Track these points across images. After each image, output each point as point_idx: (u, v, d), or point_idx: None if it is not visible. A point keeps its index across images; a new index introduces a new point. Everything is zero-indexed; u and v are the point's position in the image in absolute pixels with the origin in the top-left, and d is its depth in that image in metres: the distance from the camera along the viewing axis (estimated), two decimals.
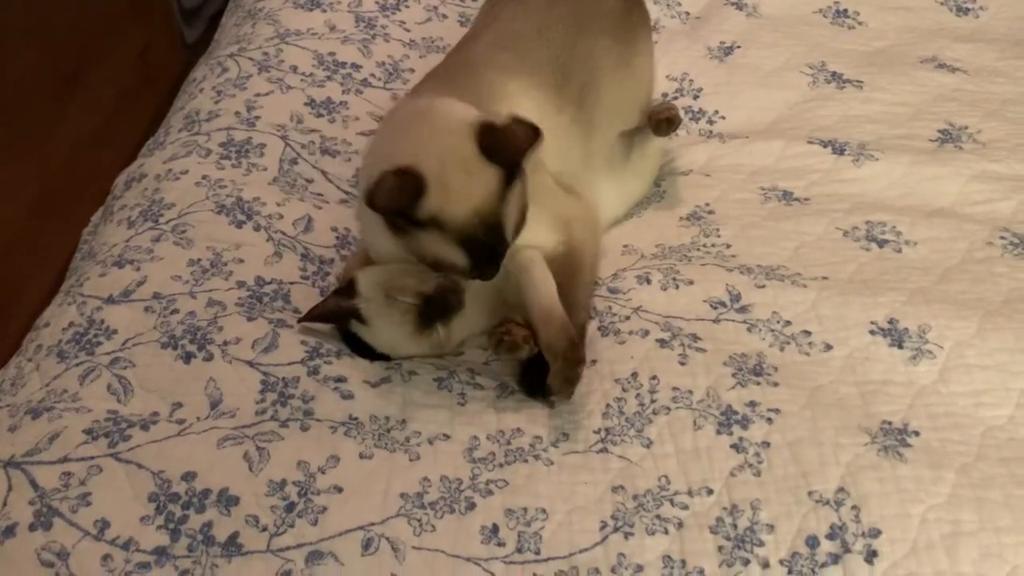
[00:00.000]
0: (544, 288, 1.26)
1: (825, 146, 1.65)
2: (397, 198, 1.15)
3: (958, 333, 1.26)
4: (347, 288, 1.28)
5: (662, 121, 1.50)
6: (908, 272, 1.39)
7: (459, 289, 1.25)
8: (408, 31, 2.00)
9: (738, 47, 1.93)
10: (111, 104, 2.74)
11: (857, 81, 1.82)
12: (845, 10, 2.01)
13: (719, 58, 1.92)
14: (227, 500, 1.08)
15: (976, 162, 1.59)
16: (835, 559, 1.04)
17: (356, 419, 1.19)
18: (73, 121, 2.67)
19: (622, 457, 1.16)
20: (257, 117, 1.71)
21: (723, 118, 1.80)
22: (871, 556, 1.04)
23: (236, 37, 2.00)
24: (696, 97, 1.85)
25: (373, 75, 1.88)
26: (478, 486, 1.12)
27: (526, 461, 1.16)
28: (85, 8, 3.05)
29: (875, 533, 1.05)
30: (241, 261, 1.42)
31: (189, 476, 1.10)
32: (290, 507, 1.08)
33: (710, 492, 1.11)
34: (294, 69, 1.84)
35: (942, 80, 1.81)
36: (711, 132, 1.78)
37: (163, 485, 1.10)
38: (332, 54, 1.89)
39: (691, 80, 1.88)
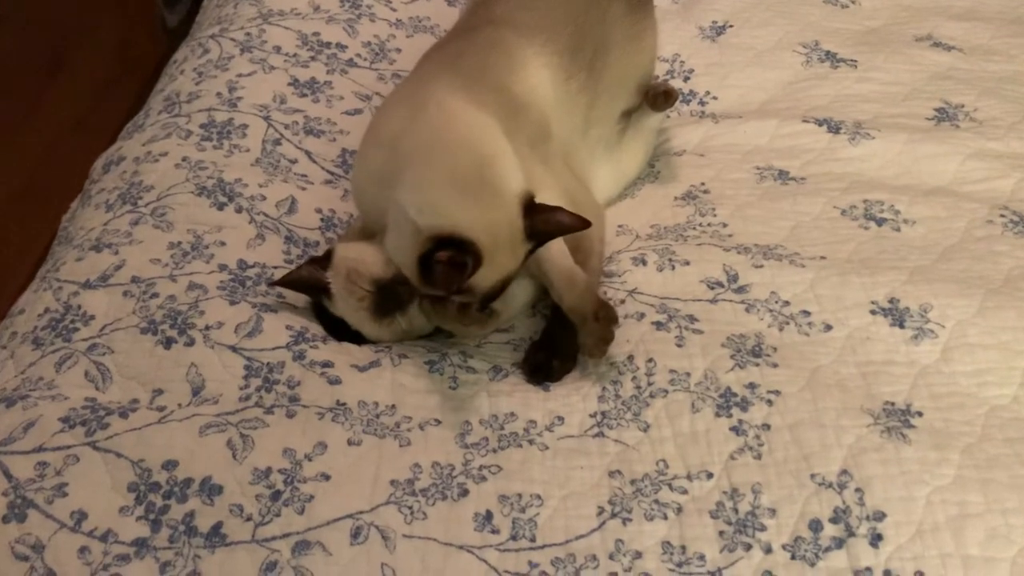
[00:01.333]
0: (560, 252, 1.23)
1: (820, 125, 1.62)
2: (457, 280, 1.10)
3: (960, 312, 1.24)
4: (323, 258, 1.24)
5: (659, 94, 1.46)
6: (907, 251, 1.36)
7: (409, 283, 1.20)
8: (395, 11, 1.96)
9: (730, 26, 1.89)
10: (92, 92, 2.69)
11: (851, 60, 1.79)
12: None
13: (711, 38, 1.88)
14: (210, 489, 1.04)
15: (974, 140, 1.56)
16: (839, 543, 1.01)
17: (344, 405, 1.15)
18: (53, 109, 2.62)
19: (619, 441, 1.13)
20: (239, 98, 1.66)
21: (715, 99, 1.77)
22: (876, 539, 1.01)
23: (218, 18, 1.95)
24: (687, 79, 1.82)
25: (359, 55, 1.83)
26: (471, 472, 1.09)
27: (520, 446, 1.12)
28: None
29: (880, 516, 1.03)
30: (223, 244, 1.37)
31: (170, 465, 1.06)
32: (276, 496, 1.04)
33: (710, 476, 1.08)
34: (277, 49, 1.79)
35: (937, 59, 1.78)
36: (703, 113, 1.75)
37: (143, 474, 1.05)
38: (316, 34, 1.84)
39: (682, 61, 1.85)
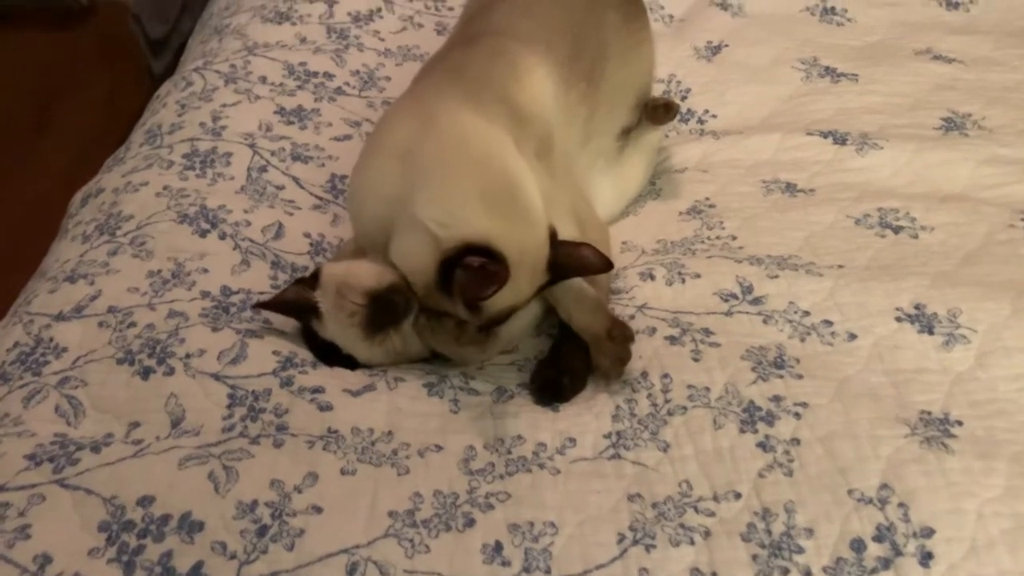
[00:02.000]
0: None
1: (825, 137, 1.57)
2: (487, 288, 1.03)
3: (991, 315, 1.16)
4: (311, 279, 1.16)
5: (660, 107, 1.42)
6: (928, 256, 1.29)
7: (405, 291, 1.13)
8: (383, 40, 1.91)
9: (725, 45, 1.85)
10: (79, 146, 2.67)
11: (852, 74, 1.74)
12: (832, 7, 1.94)
13: (706, 57, 1.84)
14: (190, 526, 0.94)
15: (985, 147, 1.51)
16: (885, 564, 0.92)
17: (336, 432, 1.06)
18: (41, 165, 2.60)
19: (637, 462, 1.04)
20: (223, 127, 1.60)
21: (714, 116, 1.72)
22: (926, 558, 0.92)
23: (202, 52, 1.91)
24: (684, 97, 1.77)
25: (347, 83, 1.78)
26: (477, 500, 0.99)
27: (530, 471, 1.03)
28: (53, 49, 3.04)
29: (928, 532, 0.93)
30: (205, 271, 1.29)
31: (146, 501, 0.96)
32: (262, 531, 0.94)
33: (738, 496, 0.99)
34: (263, 79, 1.73)
35: (939, 70, 1.74)
36: (702, 131, 1.69)
37: (116, 512, 0.96)
38: (303, 64, 1.79)
39: (678, 81, 1.80)
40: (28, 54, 2.96)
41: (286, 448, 1.03)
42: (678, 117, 1.62)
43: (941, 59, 1.78)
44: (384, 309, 1.12)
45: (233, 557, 0.92)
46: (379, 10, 1.97)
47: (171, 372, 1.12)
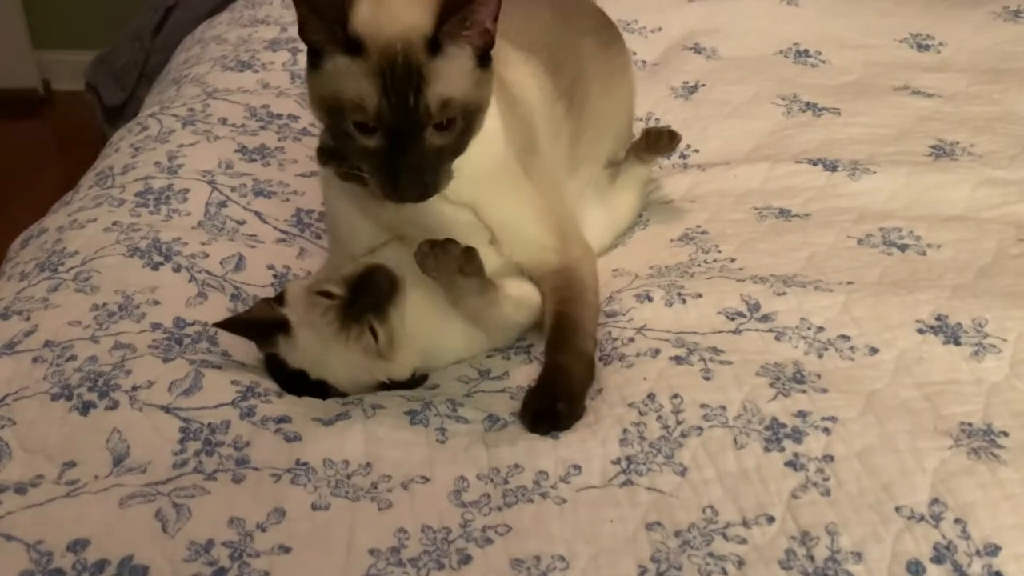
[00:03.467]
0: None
1: (815, 164, 1.51)
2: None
3: (1020, 324, 1.08)
4: (277, 298, 1.04)
5: (663, 135, 1.36)
6: (941, 271, 1.21)
7: (389, 271, 1.03)
8: None
9: (702, 85, 1.81)
10: None
11: (834, 108, 1.71)
12: (806, 50, 1.93)
13: (684, 96, 1.80)
14: (131, 571, 0.79)
15: (980, 170, 1.46)
16: None
17: (305, 464, 0.92)
18: None
19: (652, 488, 0.91)
20: (180, 165, 1.50)
21: (696, 151, 1.66)
22: None
23: (159, 100, 1.82)
24: None
25: (313, 125, 1.69)
26: (472, 534, 0.86)
27: (531, 501, 0.90)
28: (10, 137, 3.15)
29: (993, 550, 0.82)
30: (157, 303, 1.17)
31: (78, 545, 0.81)
32: (219, 573, 0.79)
33: (771, 520, 0.87)
34: (223, 121, 1.64)
35: (919, 104, 1.71)
36: (686, 165, 1.63)
37: (41, 560, 0.80)
38: (266, 106, 1.71)
39: (657, 119, 1.75)
40: None
41: (247, 483, 0.89)
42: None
43: (920, 94, 1.75)
44: (365, 291, 1.00)
45: None
46: None
47: (114, 406, 0.98)
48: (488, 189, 1.05)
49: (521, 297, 1.11)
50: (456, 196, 1.05)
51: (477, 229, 1.10)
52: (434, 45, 0.96)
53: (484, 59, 1.00)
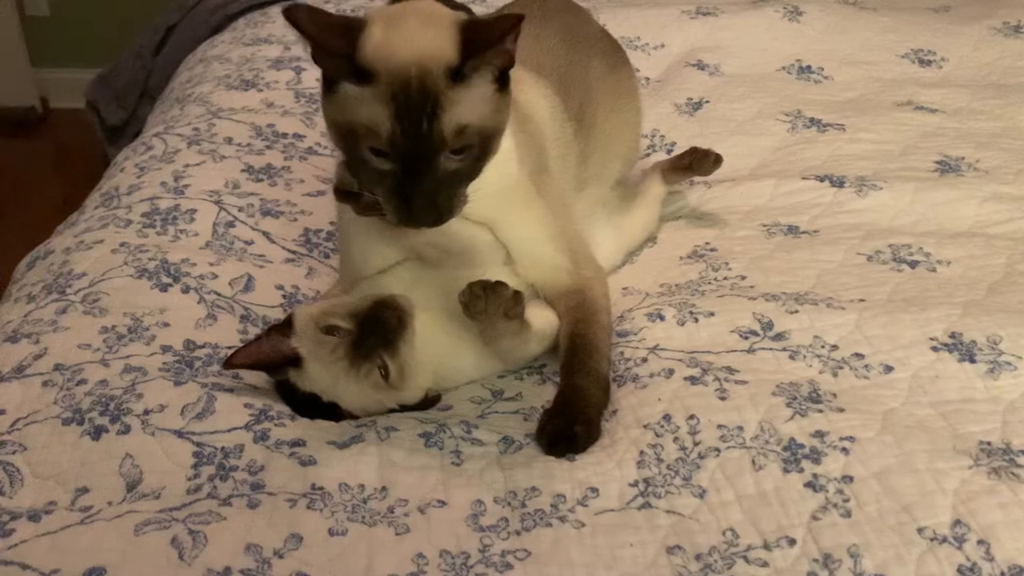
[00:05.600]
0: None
1: (821, 181, 1.51)
2: (335, 31, 0.94)
3: None
4: (284, 325, 1.03)
5: (710, 154, 1.40)
6: (952, 288, 1.21)
7: (397, 305, 1.02)
8: None
9: (707, 102, 1.82)
10: (26, 248, 2.60)
11: (838, 124, 1.71)
12: (808, 66, 1.93)
13: (688, 113, 1.80)
14: None
15: (986, 185, 1.47)
16: None
17: (321, 489, 0.91)
18: None
19: (672, 511, 0.90)
20: (186, 185, 1.49)
21: None
22: None
23: (163, 120, 1.82)
24: (670, 151, 1.71)
25: (319, 143, 1.69)
26: (491, 560, 0.85)
27: (550, 525, 0.89)
28: (8, 155, 3.13)
29: (1018, 572, 0.82)
30: (166, 325, 1.16)
31: (95, 573, 0.81)
32: None
33: (792, 542, 0.86)
34: (228, 140, 1.64)
35: (923, 119, 1.72)
36: (692, 181, 1.63)
37: None
38: (271, 126, 1.71)
39: (662, 135, 1.75)
40: None
41: (263, 508, 0.88)
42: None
43: (923, 109, 1.76)
44: (374, 328, 1.00)
45: None
46: None
47: (126, 430, 0.97)
48: (502, 208, 1.04)
49: (545, 329, 1.11)
50: (473, 215, 1.05)
51: (495, 249, 1.10)
52: (456, 75, 0.96)
53: (503, 79, 1.00)
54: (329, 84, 0.99)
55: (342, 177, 1.02)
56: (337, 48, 0.96)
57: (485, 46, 0.96)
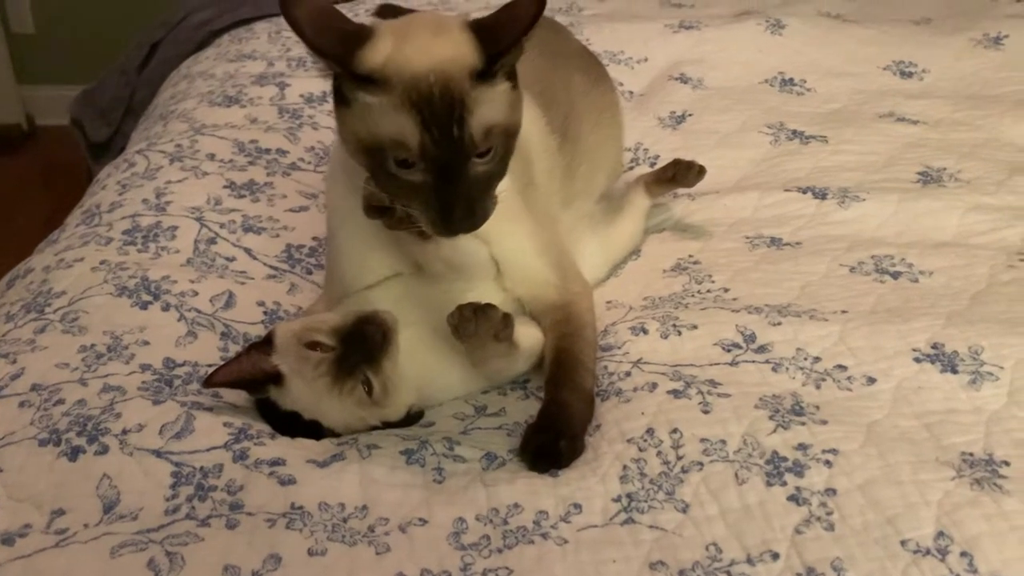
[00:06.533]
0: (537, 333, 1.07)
1: (804, 192, 1.52)
2: (333, 35, 0.93)
3: (1017, 351, 1.08)
4: (264, 342, 1.02)
5: (693, 166, 1.40)
6: (935, 299, 1.22)
7: (381, 321, 1.01)
8: None
9: (690, 115, 1.82)
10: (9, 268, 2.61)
11: (821, 136, 1.72)
12: (791, 79, 1.94)
13: (671, 126, 1.81)
14: None
15: (968, 196, 1.47)
16: None
17: (300, 508, 0.90)
18: None
19: (655, 527, 0.90)
20: (168, 202, 1.48)
21: None
22: None
23: (145, 136, 1.81)
24: (653, 164, 1.71)
25: (302, 159, 1.69)
26: None
27: (532, 542, 0.88)
28: None
29: None
30: (146, 343, 1.15)
31: None
32: None
33: (776, 556, 0.86)
34: (211, 157, 1.63)
35: (905, 131, 1.73)
36: (675, 193, 1.63)
37: None
38: (254, 141, 1.70)
39: (646, 149, 1.75)
40: None
41: (242, 529, 0.87)
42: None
43: (905, 120, 1.77)
44: (357, 344, 0.99)
45: None
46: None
47: (104, 451, 0.96)
48: (494, 222, 1.04)
49: (532, 348, 1.10)
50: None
51: (489, 263, 1.10)
52: (483, 75, 0.94)
53: (512, 75, 0.99)
54: (342, 97, 0.98)
55: (372, 193, 1.00)
56: (334, 56, 0.94)
57: (508, 45, 0.95)
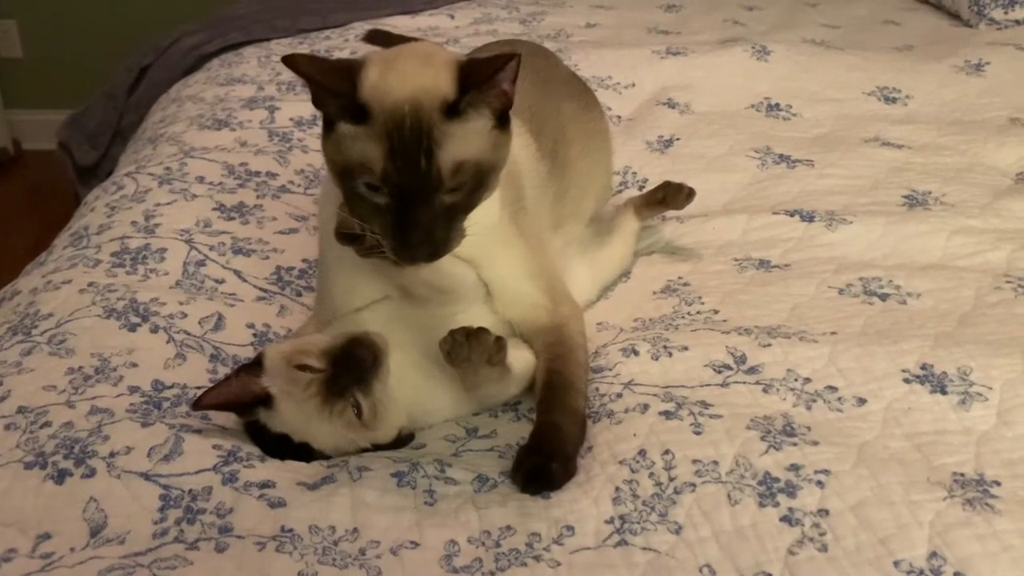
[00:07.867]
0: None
1: (792, 215, 1.53)
2: (336, 73, 0.97)
3: (1005, 372, 1.09)
4: (253, 364, 1.02)
5: (683, 188, 1.41)
6: (923, 320, 1.22)
7: (372, 343, 1.01)
8: None
9: (677, 139, 1.84)
10: None
11: (807, 160, 1.73)
12: (777, 104, 1.97)
13: (659, 150, 1.82)
14: None
15: (953, 219, 1.49)
16: None
17: (291, 531, 0.89)
18: None
19: (648, 548, 0.89)
20: (157, 224, 1.48)
21: None
22: None
23: (134, 160, 1.81)
24: (642, 187, 1.72)
25: (292, 182, 1.68)
26: None
27: (524, 564, 0.88)
28: None
29: None
30: (134, 365, 1.14)
31: None
32: None
33: None
34: (200, 179, 1.63)
35: (890, 155, 1.75)
36: (664, 217, 1.64)
37: None
38: (244, 164, 1.70)
39: (634, 172, 1.76)
40: None
41: (231, 552, 0.86)
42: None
43: (890, 145, 1.79)
44: (347, 366, 0.98)
45: None
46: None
47: (91, 474, 0.95)
48: (485, 246, 1.04)
49: (524, 371, 1.10)
50: (460, 253, 1.04)
51: (478, 287, 1.10)
52: (452, 110, 0.96)
53: (503, 119, 1.01)
54: (328, 125, 1.00)
55: (343, 220, 1.01)
56: (341, 89, 0.97)
57: (480, 82, 0.96)
